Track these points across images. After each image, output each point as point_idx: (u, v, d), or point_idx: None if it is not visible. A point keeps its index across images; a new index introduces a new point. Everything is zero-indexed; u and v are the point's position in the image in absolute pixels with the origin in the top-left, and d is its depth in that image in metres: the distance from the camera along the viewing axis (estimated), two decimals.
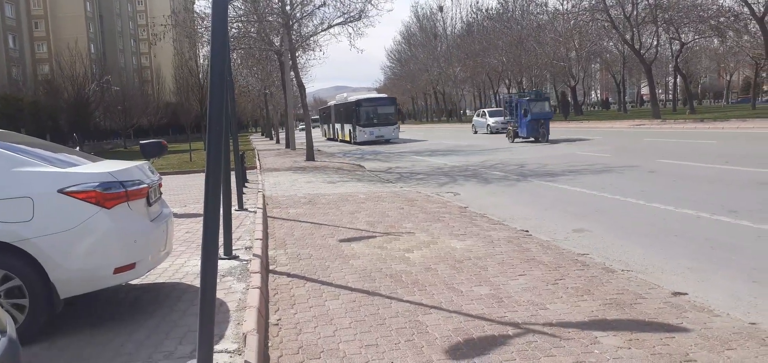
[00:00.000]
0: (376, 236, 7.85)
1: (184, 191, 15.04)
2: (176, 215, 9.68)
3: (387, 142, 36.84)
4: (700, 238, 7.23)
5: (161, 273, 6.20)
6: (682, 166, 14.52)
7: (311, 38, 25.25)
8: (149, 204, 4.97)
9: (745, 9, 32.74)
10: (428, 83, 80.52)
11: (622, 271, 5.75)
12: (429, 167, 19.29)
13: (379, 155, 26.70)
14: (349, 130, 39.47)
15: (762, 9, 31.24)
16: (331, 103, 49.44)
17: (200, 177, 18.56)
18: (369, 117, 37.12)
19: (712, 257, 6.40)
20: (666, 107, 59.68)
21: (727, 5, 35.80)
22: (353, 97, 39.53)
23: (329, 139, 49.43)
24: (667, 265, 6.20)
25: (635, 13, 37.92)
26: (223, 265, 6.30)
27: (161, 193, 5.62)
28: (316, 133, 60.67)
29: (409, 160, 22.53)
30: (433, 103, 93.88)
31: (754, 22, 32.45)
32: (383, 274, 5.96)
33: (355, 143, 37.40)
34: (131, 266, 4.58)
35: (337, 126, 45.32)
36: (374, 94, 41.57)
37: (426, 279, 5.70)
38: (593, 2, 39.04)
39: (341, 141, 43.31)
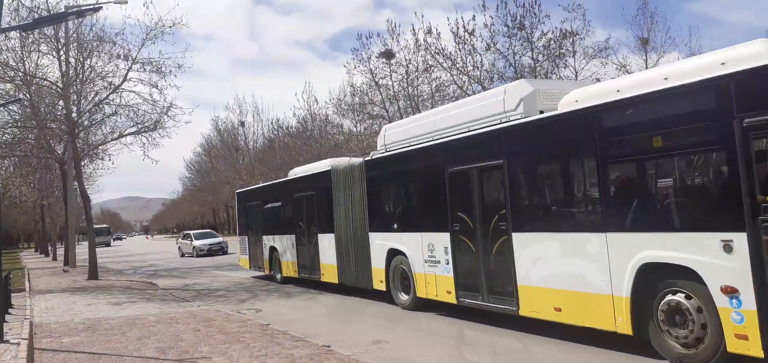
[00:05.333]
0: None
1: None
2: None
3: None
4: (487, 346, 7.89)
5: None
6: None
7: (100, 147, 23.50)
8: None
9: None
10: (231, 195, 78.98)
11: None
12: (230, 282, 18.59)
13: (175, 271, 25.07)
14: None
15: None
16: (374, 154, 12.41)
17: None
18: None
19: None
20: None
21: None
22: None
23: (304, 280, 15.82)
24: None
25: None
26: None
27: None
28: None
29: (208, 276, 21.49)
30: (236, 216, 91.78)
31: None
32: None
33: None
34: None
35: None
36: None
37: None
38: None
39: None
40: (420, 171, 10.48)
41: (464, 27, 33.43)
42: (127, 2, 19.85)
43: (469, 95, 36.75)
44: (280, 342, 8.16)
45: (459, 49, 34.32)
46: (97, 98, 20.74)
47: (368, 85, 42.12)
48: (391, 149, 11.48)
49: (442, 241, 9.70)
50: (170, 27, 19.63)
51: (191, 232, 42.40)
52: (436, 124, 10.23)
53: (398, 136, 11.42)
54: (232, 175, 73.23)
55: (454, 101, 39.47)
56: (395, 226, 11.23)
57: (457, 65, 34.91)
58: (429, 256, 10.11)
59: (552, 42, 32.42)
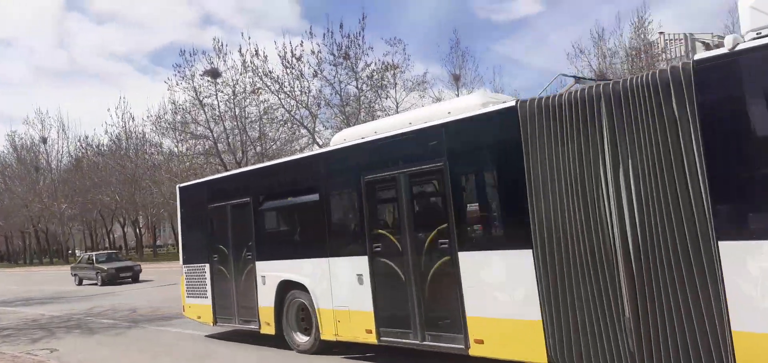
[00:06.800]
0: None
1: None
2: None
3: None
4: None
5: None
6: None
7: None
8: None
9: None
10: (28, 220, 70.32)
11: None
12: (21, 320, 16.46)
13: None
14: None
15: None
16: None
17: None
18: None
19: None
20: None
21: None
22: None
23: None
24: None
25: (245, 159, 41.49)
26: None
27: None
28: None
29: None
30: (33, 243, 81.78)
31: None
32: None
33: None
34: None
35: None
36: None
37: None
38: (207, 147, 41.31)
39: None
40: None
41: (292, 52, 33.88)
42: None
43: (297, 120, 37.09)
44: None
45: (287, 73, 34.70)
46: None
47: (192, 103, 40.57)
48: None
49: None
50: None
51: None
52: None
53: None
54: (31, 198, 65.34)
55: (283, 125, 39.63)
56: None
57: (285, 89, 35.19)
58: None
59: (375, 73, 34.11)
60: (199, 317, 11.15)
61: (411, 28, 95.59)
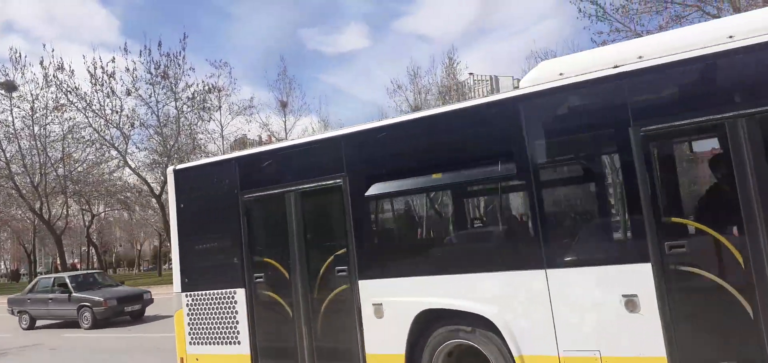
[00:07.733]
0: None
1: None
2: None
3: None
4: None
5: None
6: (89, 337, 14.59)
7: None
8: None
9: (145, 187, 36.91)
10: None
11: None
12: None
13: None
14: None
15: (159, 188, 35.80)
16: None
17: None
18: None
19: None
20: None
21: (131, 182, 39.73)
22: None
23: None
24: None
25: (44, 183, 37.43)
26: None
27: None
28: None
29: None
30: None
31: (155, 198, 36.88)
32: None
33: None
34: None
35: None
36: None
37: None
38: None
39: None
40: None
41: (102, 68, 31.53)
42: None
43: (107, 141, 34.32)
44: None
45: (96, 90, 32.26)
46: None
47: None
48: None
49: None
50: None
51: None
52: None
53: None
54: None
55: (90, 145, 36.10)
56: None
57: (93, 107, 32.56)
58: None
59: (197, 94, 33.01)
60: None
61: (239, 52, 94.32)
